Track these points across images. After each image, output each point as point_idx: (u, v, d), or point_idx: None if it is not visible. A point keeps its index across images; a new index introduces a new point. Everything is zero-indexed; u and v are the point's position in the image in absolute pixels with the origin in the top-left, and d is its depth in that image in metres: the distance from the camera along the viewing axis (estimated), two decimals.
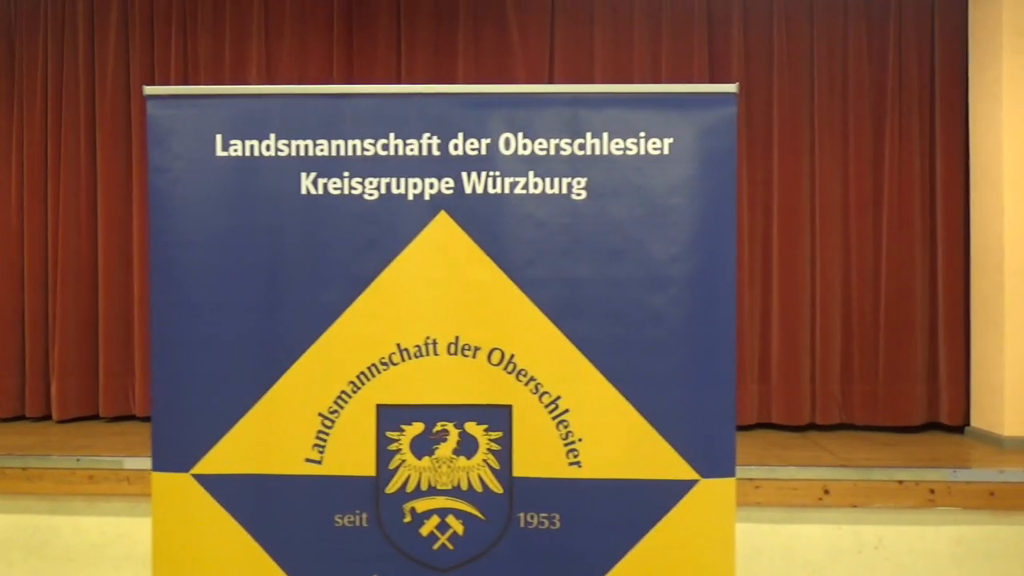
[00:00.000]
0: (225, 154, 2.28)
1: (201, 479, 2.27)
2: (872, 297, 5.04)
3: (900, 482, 3.95)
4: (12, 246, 5.29)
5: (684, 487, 2.25)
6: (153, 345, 2.30)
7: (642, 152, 2.28)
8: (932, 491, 3.93)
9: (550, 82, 5.01)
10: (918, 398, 4.96)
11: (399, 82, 4.99)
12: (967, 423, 4.93)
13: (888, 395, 4.97)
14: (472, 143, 2.27)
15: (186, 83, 5.05)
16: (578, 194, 2.28)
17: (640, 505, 2.25)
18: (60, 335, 5.18)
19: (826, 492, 3.97)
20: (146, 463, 4.18)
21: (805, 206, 5.08)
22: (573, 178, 2.28)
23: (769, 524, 3.87)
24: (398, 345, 2.27)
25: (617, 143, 2.27)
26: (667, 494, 2.26)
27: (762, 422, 5.02)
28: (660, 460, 2.25)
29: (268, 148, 2.28)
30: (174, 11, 5.19)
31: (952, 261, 4.99)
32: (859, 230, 5.06)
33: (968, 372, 4.96)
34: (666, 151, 2.28)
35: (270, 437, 2.28)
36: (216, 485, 2.27)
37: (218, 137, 2.28)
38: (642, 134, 2.27)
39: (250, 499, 2.28)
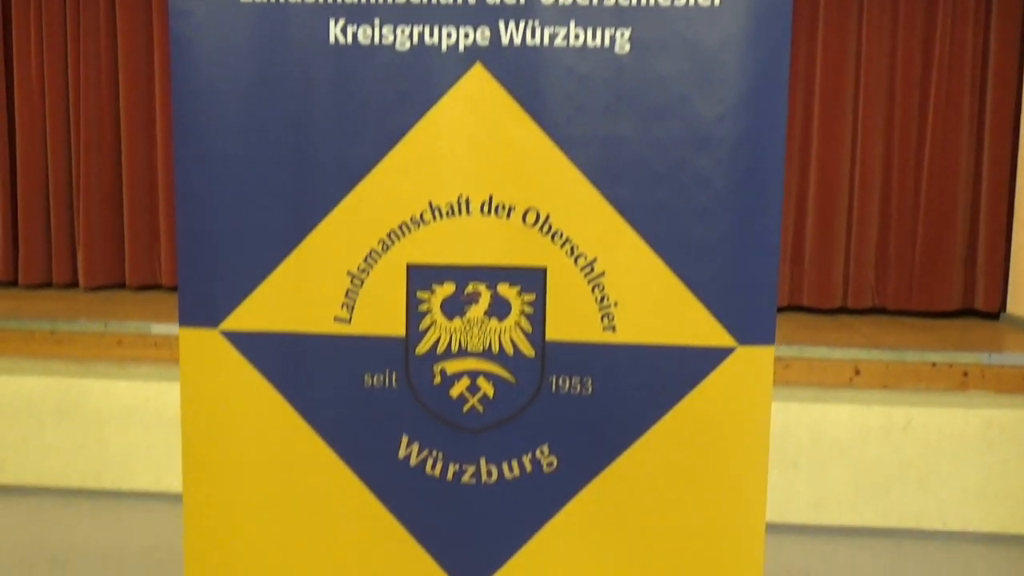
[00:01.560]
0: None
1: (229, 335, 2.23)
2: (913, 179, 4.89)
3: (933, 364, 3.90)
4: (34, 112, 5.21)
5: (721, 354, 2.19)
6: (178, 199, 2.22)
7: (691, 3, 2.13)
8: (965, 374, 3.88)
9: None
10: (954, 283, 4.86)
11: None
12: (1003, 309, 4.84)
13: (923, 279, 4.87)
14: None
15: None
16: (622, 47, 2.14)
17: (675, 371, 2.20)
18: (84, 202, 5.15)
19: (857, 373, 3.93)
20: (174, 329, 4.20)
21: (849, 82, 4.89)
22: (617, 30, 2.14)
23: (798, 403, 3.84)
24: (430, 203, 2.19)
25: None
26: (703, 360, 2.19)
27: (793, 304, 4.95)
28: (697, 326, 2.18)
29: None
30: None
31: (999, 145, 4.81)
32: (904, 110, 4.87)
33: (1008, 258, 4.85)
34: (717, 2, 2.13)
35: (299, 295, 2.22)
36: (244, 342, 2.23)
37: None
38: None
39: (279, 357, 2.24)
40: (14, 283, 5.15)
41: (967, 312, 4.85)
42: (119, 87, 5.12)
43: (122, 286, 5.20)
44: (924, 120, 4.82)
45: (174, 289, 5.06)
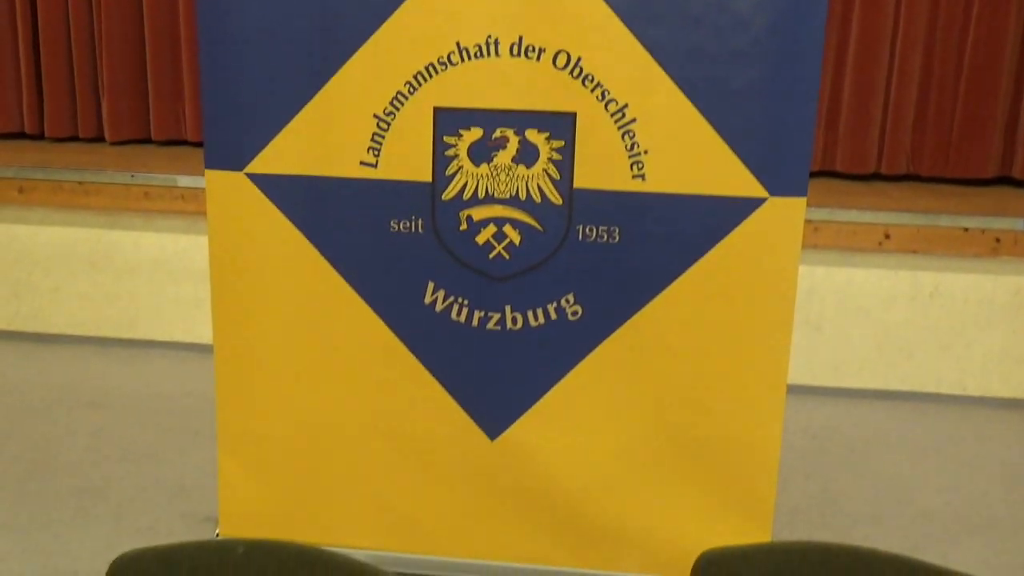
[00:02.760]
0: None
1: (255, 178, 2.22)
2: (958, 42, 4.69)
3: (965, 230, 3.84)
4: None
5: (752, 204, 2.16)
6: (201, 43, 2.17)
7: None
8: (997, 240, 3.83)
9: None
10: (992, 151, 4.73)
11: None
12: None
13: (961, 146, 4.74)
14: None
15: None
16: None
17: (704, 221, 2.17)
18: (107, 54, 5.06)
19: (887, 237, 3.88)
20: (201, 181, 4.19)
21: None
22: None
23: (824, 267, 3.82)
24: (457, 43, 2.12)
25: None
26: (733, 211, 2.16)
27: (825, 170, 4.85)
28: (729, 176, 2.14)
29: None
30: None
31: None
32: None
33: None
34: None
35: (324, 138, 2.19)
36: (270, 184, 2.22)
37: None
38: None
39: (304, 200, 2.23)
40: (40, 135, 5.13)
41: (1004, 180, 4.74)
42: None
43: (147, 140, 5.17)
44: None
45: (199, 144, 5.05)
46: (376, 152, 2.19)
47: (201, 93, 2.22)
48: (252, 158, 2.21)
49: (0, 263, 4.12)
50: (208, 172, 2.25)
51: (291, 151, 2.20)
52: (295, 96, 2.18)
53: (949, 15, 4.65)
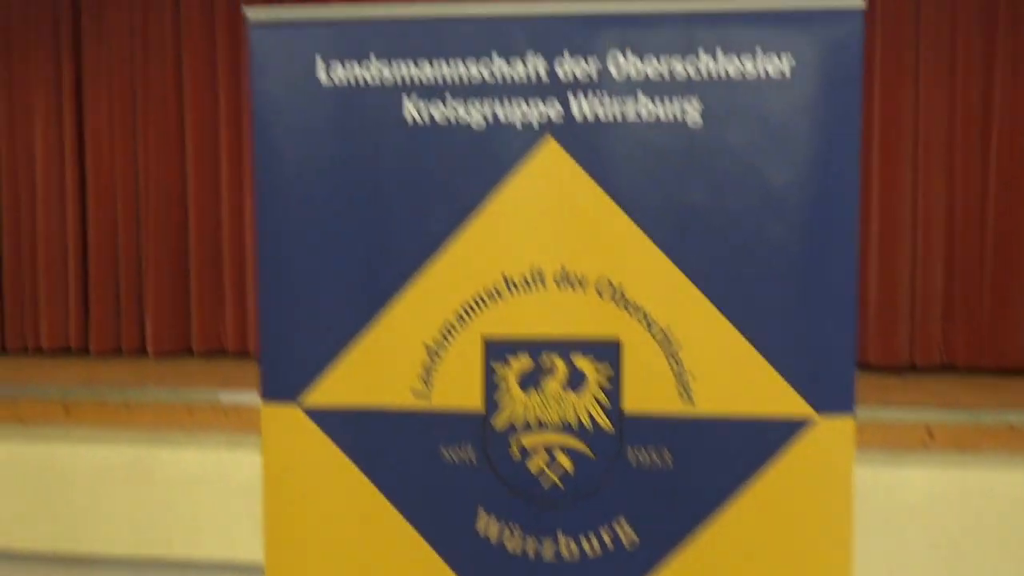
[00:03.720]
0: (327, 79, 2.23)
1: (308, 411, 2.26)
2: (978, 229, 4.78)
3: (1011, 426, 3.79)
4: (103, 181, 5.37)
5: (800, 424, 2.16)
6: (260, 275, 2.28)
7: (761, 73, 2.15)
8: None
9: None
10: None
11: None
12: None
13: (994, 334, 4.75)
14: (580, 65, 2.17)
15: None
16: (692, 118, 2.16)
17: (754, 441, 2.17)
18: (152, 270, 5.27)
19: (930, 435, 3.83)
20: (242, 397, 4.27)
21: (908, 131, 4.83)
22: (687, 101, 2.17)
23: (869, 467, 3.75)
24: (504, 276, 2.21)
25: (734, 64, 2.14)
26: (782, 431, 2.17)
27: (857, 362, 4.85)
28: (775, 395, 2.16)
29: (370, 72, 2.21)
30: None
31: None
32: (965, 163, 4.81)
33: None
34: (786, 72, 2.14)
35: (376, 369, 2.25)
36: (323, 417, 2.26)
37: (320, 61, 2.22)
38: (761, 54, 2.14)
39: (357, 432, 2.26)
40: (85, 350, 5.27)
41: None
42: (185, 158, 5.27)
43: (189, 351, 5.29)
44: (986, 167, 4.74)
45: (239, 355, 5.16)
46: (427, 381, 2.24)
47: (259, 327, 2.30)
48: (307, 390, 2.26)
49: (40, 484, 4.14)
50: (264, 406, 2.30)
51: (344, 382, 2.25)
52: (348, 329, 2.25)
53: (966, 206, 4.77)
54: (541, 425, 2.21)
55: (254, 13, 2.25)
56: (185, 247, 5.31)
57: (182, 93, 5.29)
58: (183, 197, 5.30)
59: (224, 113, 5.19)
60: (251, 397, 4.22)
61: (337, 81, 2.23)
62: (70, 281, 5.36)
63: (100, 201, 5.37)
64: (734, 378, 2.19)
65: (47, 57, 5.34)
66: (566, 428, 2.21)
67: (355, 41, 2.22)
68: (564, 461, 2.22)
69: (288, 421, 2.28)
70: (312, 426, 2.25)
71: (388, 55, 2.21)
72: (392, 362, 2.25)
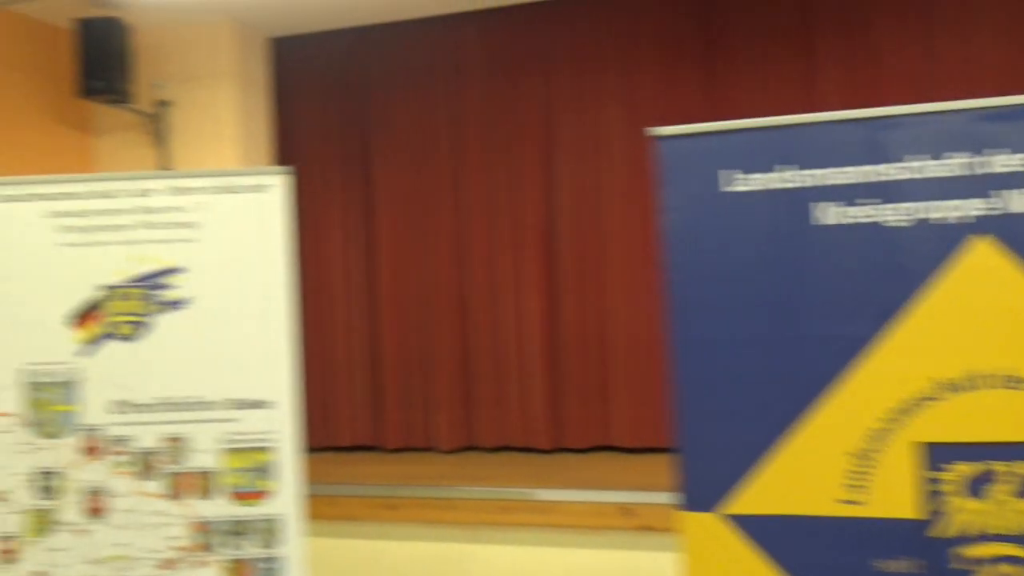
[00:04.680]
0: (734, 188, 2.27)
1: (731, 519, 2.26)
2: None
3: None
4: (392, 287, 5.68)
5: None
6: (677, 382, 2.31)
7: None
8: None
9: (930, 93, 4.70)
10: None
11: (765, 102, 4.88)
12: None
13: None
14: (1007, 158, 2.11)
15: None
16: None
17: None
18: (439, 370, 5.49)
19: None
20: (557, 495, 4.33)
21: None
22: None
23: None
24: (936, 380, 2.14)
25: None
26: None
27: None
28: None
29: (777, 179, 2.24)
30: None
31: None
32: None
33: None
34: None
35: (799, 476, 2.23)
36: (747, 525, 2.25)
37: (725, 172, 2.28)
38: None
39: (783, 540, 2.23)
40: (374, 447, 5.53)
41: None
42: (468, 263, 5.51)
43: (474, 448, 5.44)
44: None
45: (525, 450, 5.26)
46: (855, 489, 2.18)
47: (677, 438, 2.33)
48: (727, 499, 2.26)
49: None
50: (685, 514, 2.31)
51: (766, 490, 2.24)
52: (768, 437, 2.25)
53: None
54: (987, 535, 2.10)
55: (661, 128, 2.34)
56: (465, 349, 5.51)
57: (457, 199, 5.56)
58: (462, 297, 5.52)
59: (499, 218, 5.41)
60: (565, 494, 4.29)
61: (743, 188, 2.27)
62: (365, 381, 5.65)
63: (390, 303, 5.66)
64: None
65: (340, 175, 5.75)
66: (1016, 538, 2.09)
67: (760, 151, 2.26)
68: (1011, 572, 2.09)
69: (708, 528, 2.28)
70: (733, 532, 2.24)
71: (795, 161, 2.23)
72: (815, 470, 2.22)
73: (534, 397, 5.33)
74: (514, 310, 5.44)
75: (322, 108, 5.74)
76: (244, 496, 2.73)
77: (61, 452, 2.69)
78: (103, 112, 5.24)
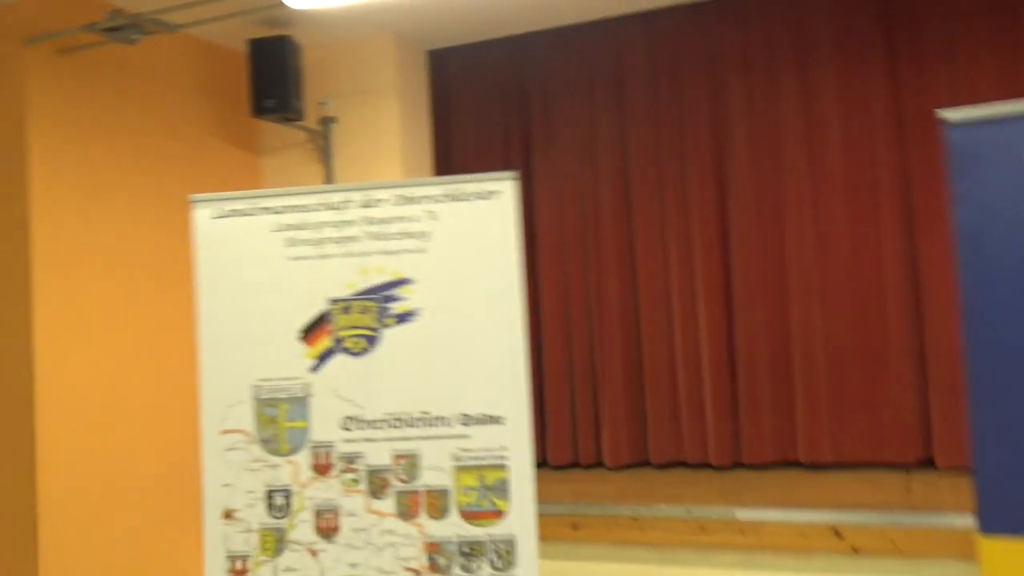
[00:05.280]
0: None
1: None
2: None
3: None
4: (556, 302, 5.54)
5: None
6: (972, 392, 2.10)
7: None
8: None
9: None
10: None
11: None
12: None
13: None
14: None
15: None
16: None
17: None
18: (608, 385, 5.33)
19: None
20: (759, 515, 4.12)
21: None
22: None
23: None
24: None
25: None
26: None
27: None
28: None
29: None
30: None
31: None
32: None
33: None
34: None
35: None
36: None
37: None
38: None
39: None
40: (542, 464, 5.39)
41: None
42: (636, 276, 5.34)
43: (645, 464, 5.26)
44: None
45: (698, 466, 5.05)
46: None
47: (975, 457, 2.11)
48: None
49: None
50: (984, 537, 2.09)
51: None
52: None
53: None
54: None
55: (952, 112, 2.14)
56: (638, 363, 5.34)
57: (630, 210, 5.40)
58: (635, 311, 5.35)
59: (668, 226, 5.23)
60: (767, 514, 4.07)
61: None
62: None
63: (555, 326, 5.54)
64: None
65: None
66: None
67: None
68: None
69: (1012, 553, 2.05)
70: None
71: None
72: None
73: (708, 411, 5.11)
74: (687, 321, 5.25)
75: (481, 119, 5.68)
76: (476, 515, 2.62)
77: (292, 470, 2.64)
78: (268, 130, 5.28)
